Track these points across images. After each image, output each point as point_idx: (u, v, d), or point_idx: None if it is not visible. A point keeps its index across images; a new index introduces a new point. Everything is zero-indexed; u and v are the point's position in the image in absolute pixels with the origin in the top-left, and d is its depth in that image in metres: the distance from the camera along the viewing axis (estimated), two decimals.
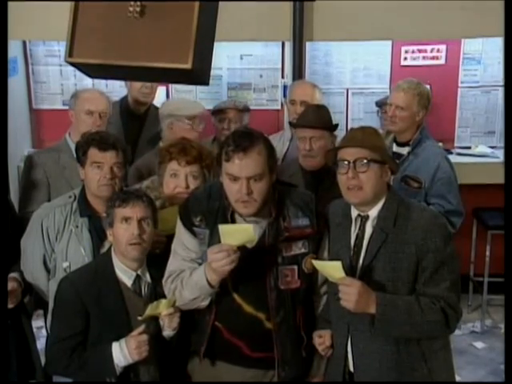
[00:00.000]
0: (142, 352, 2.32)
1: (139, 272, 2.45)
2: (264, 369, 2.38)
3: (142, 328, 2.34)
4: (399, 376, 2.27)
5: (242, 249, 2.24)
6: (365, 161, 2.22)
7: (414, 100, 3.40)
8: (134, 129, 3.97)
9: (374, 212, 2.29)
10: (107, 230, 2.47)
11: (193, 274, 2.31)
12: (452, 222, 3.34)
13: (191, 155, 2.66)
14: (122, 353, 2.32)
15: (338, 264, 2.17)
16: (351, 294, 2.14)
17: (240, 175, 2.22)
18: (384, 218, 2.26)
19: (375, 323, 2.19)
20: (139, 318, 2.36)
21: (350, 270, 2.27)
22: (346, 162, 2.25)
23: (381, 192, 2.29)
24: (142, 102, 4.00)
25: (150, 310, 2.35)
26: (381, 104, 4.29)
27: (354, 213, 2.33)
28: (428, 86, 4.17)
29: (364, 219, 2.30)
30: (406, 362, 2.27)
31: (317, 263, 2.26)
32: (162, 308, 2.35)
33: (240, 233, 2.18)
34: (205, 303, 2.33)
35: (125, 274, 2.44)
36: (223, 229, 2.18)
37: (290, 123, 3.49)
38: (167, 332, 2.41)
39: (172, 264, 2.41)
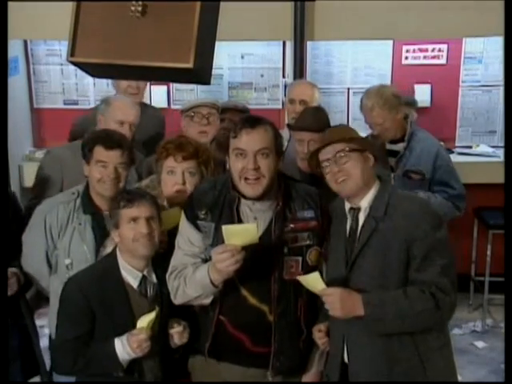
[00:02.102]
0: (144, 348, 2.32)
1: (145, 273, 2.45)
2: (264, 368, 2.38)
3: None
4: (391, 365, 2.29)
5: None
6: (343, 152, 2.30)
7: (385, 110, 3.43)
8: None
9: (364, 203, 2.34)
10: (112, 231, 2.46)
11: (196, 272, 2.31)
12: (458, 206, 3.47)
13: (187, 151, 2.66)
14: (125, 350, 2.33)
15: (316, 275, 2.24)
16: (334, 302, 2.20)
17: (247, 148, 2.26)
18: (375, 208, 2.32)
19: (367, 323, 2.22)
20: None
21: (345, 262, 2.31)
22: (327, 161, 2.32)
23: (369, 180, 2.34)
24: None
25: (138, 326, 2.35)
26: None
27: (347, 206, 2.38)
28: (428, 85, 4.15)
29: (356, 211, 2.35)
30: (396, 351, 2.29)
31: (300, 278, 2.29)
32: (144, 324, 2.32)
33: (244, 233, 2.18)
34: (207, 301, 2.34)
35: (131, 275, 2.43)
36: (226, 230, 2.18)
37: (289, 125, 3.49)
38: (175, 343, 2.42)
39: (175, 259, 2.42)
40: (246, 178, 2.27)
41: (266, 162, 2.28)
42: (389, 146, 3.53)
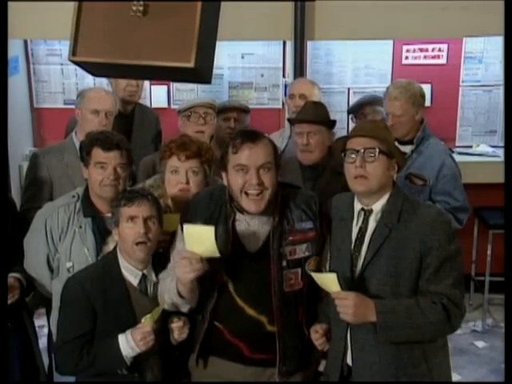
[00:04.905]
0: (148, 342, 2.32)
1: (145, 271, 2.46)
2: (263, 366, 2.39)
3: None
4: (398, 372, 2.27)
5: (245, 253, 2.27)
6: (373, 151, 2.24)
7: (409, 103, 3.38)
8: (123, 129, 3.70)
9: (377, 206, 2.30)
10: (113, 229, 2.47)
11: (172, 281, 2.31)
12: (459, 219, 3.37)
13: (191, 150, 2.67)
14: (129, 345, 2.33)
15: (333, 276, 2.18)
16: (347, 306, 2.16)
17: (249, 164, 2.24)
18: (388, 213, 2.27)
19: (378, 331, 2.20)
20: None
21: (350, 265, 2.28)
22: (354, 152, 2.26)
23: (386, 186, 2.29)
24: (129, 100, 3.87)
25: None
26: (353, 111, 4.17)
27: (358, 206, 2.34)
28: (428, 85, 4.15)
29: (367, 213, 2.31)
30: (405, 358, 2.27)
31: (315, 275, 2.26)
32: (148, 323, 2.32)
33: (202, 236, 2.14)
34: (184, 309, 2.35)
35: (131, 274, 2.44)
36: (187, 229, 2.17)
37: (289, 120, 3.51)
38: (175, 339, 2.42)
39: (168, 267, 2.44)
40: (246, 193, 2.26)
41: (268, 176, 2.27)
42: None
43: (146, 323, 2.31)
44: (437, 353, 2.32)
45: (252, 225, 2.32)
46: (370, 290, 2.24)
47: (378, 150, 2.24)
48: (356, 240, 2.31)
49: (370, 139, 2.25)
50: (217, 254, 2.16)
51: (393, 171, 2.30)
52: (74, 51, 1.75)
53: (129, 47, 1.73)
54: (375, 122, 2.40)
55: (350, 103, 4.92)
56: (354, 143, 2.28)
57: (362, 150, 2.24)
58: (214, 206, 2.36)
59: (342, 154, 2.32)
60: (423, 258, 2.21)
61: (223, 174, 2.35)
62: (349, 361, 2.34)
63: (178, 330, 2.40)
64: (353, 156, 2.26)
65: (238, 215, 2.33)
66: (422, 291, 2.24)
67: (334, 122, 3.18)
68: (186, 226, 2.18)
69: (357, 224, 2.33)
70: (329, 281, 2.20)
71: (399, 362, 2.27)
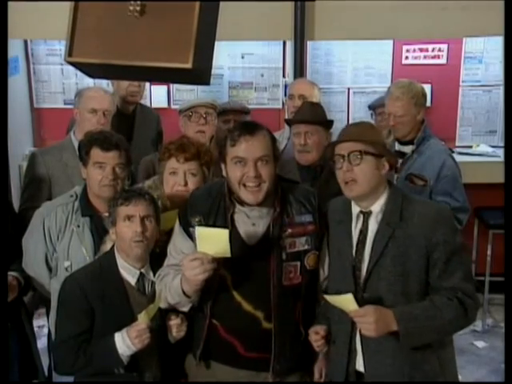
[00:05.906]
0: (144, 340, 2.31)
1: (143, 270, 2.46)
2: (256, 370, 2.38)
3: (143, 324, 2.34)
4: (412, 371, 2.26)
5: (244, 247, 2.25)
6: (358, 154, 2.24)
7: (411, 104, 3.37)
8: (124, 129, 3.71)
9: (376, 207, 2.29)
10: (110, 228, 2.47)
11: (174, 280, 2.30)
12: (458, 219, 3.36)
13: (189, 152, 2.67)
14: (125, 343, 2.32)
15: (349, 297, 2.16)
16: (369, 323, 2.14)
17: (247, 156, 2.24)
18: (389, 213, 2.26)
19: (401, 339, 2.17)
20: None
21: (352, 267, 2.27)
22: (340, 157, 2.27)
23: (379, 186, 2.29)
24: (130, 101, 3.88)
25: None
26: (374, 107, 4.24)
27: (356, 209, 2.33)
28: (428, 85, 4.15)
29: (366, 215, 2.30)
30: (418, 356, 2.25)
31: (328, 297, 2.25)
32: (143, 320, 2.31)
33: (215, 238, 2.14)
34: (185, 309, 2.35)
35: (129, 273, 2.45)
36: (199, 232, 2.16)
37: (286, 120, 3.50)
38: (173, 336, 2.42)
39: (165, 263, 2.43)
40: (245, 185, 2.26)
41: (266, 168, 2.27)
42: (398, 147, 3.48)
43: (141, 320, 2.30)
44: (446, 348, 2.32)
45: (252, 217, 2.32)
46: (380, 291, 2.23)
47: (362, 152, 2.24)
48: (358, 243, 2.30)
49: (354, 143, 2.25)
50: (228, 255, 2.15)
51: (383, 170, 2.29)
52: (70, 52, 1.75)
53: (126, 48, 1.72)
54: (361, 124, 2.40)
55: (350, 103, 4.94)
56: (340, 148, 2.29)
57: (347, 155, 2.25)
58: (212, 200, 2.36)
59: (332, 161, 2.32)
60: (430, 254, 2.21)
61: (222, 166, 2.35)
62: (357, 366, 2.32)
63: (176, 328, 2.40)
64: (340, 161, 2.27)
65: (238, 207, 2.33)
66: (435, 288, 2.23)
67: (331, 122, 3.18)
68: (198, 228, 2.18)
69: (356, 227, 2.32)
70: (345, 301, 2.18)
71: (413, 362, 2.26)
